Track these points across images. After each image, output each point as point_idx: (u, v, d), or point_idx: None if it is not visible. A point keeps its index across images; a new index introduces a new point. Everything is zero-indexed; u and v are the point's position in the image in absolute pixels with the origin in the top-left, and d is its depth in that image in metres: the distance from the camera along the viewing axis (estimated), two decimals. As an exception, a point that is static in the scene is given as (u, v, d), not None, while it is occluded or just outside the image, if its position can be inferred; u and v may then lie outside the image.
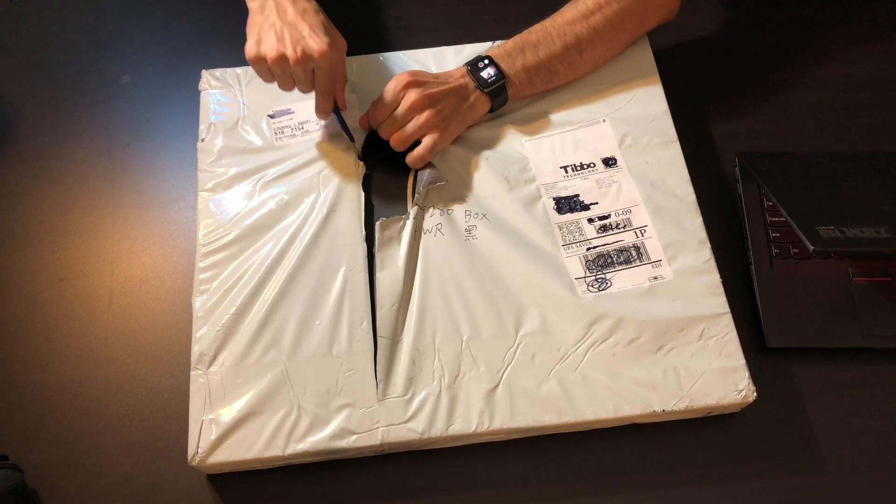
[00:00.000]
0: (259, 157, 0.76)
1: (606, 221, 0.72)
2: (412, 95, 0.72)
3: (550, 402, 0.63)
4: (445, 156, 0.76)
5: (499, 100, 0.76)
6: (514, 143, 0.76)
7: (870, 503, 0.63)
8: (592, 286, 0.68)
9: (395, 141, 0.74)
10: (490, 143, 0.77)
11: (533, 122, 0.77)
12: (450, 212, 0.72)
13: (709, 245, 0.70)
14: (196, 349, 0.66)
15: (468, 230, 0.71)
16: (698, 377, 0.64)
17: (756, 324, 0.69)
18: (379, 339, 0.66)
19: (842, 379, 0.67)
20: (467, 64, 0.76)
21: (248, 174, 0.75)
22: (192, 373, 0.65)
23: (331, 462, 0.64)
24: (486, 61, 0.75)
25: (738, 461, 0.64)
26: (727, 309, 0.67)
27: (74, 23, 0.90)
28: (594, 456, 0.64)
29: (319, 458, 0.63)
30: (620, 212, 0.72)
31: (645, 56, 0.81)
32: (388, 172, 0.77)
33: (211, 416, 0.63)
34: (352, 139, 0.76)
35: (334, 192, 0.73)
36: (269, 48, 0.67)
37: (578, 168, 0.75)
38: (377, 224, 0.71)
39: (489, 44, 0.81)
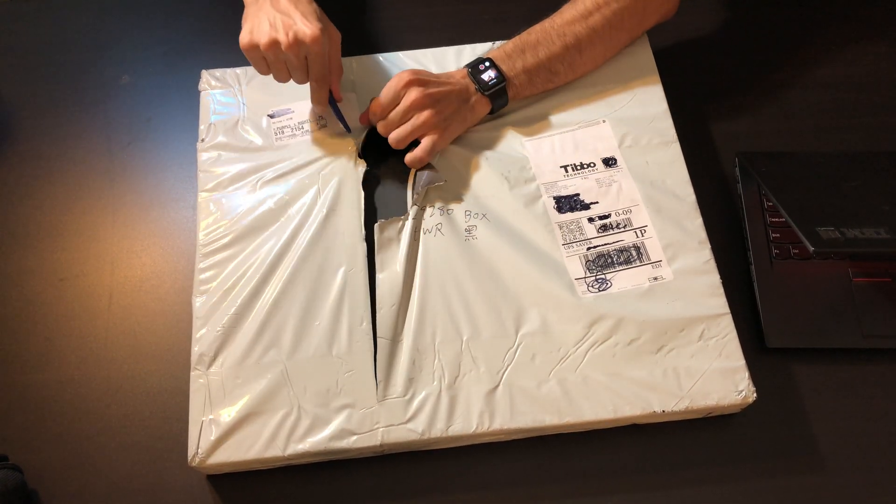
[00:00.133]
0: (259, 157, 0.76)
1: (607, 221, 0.72)
2: (413, 94, 0.72)
3: (550, 402, 0.63)
4: (445, 155, 0.76)
5: (499, 102, 0.76)
6: (514, 143, 0.76)
7: (870, 503, 0.63)
8: (592, 286, 0.68)
9: (394, 138, 0.74)
10: (490, 143, 0.77)
11: (533, 123, 0.77)
12: (450, 212, 0.72)
13: (709, 245, 0.70)
14: (196, 349, 0.66)
15: (468, 230, 0.71)
16: (698, 378, 0.64)
17: (756, 324, 0.69)
18: (379, 339, 0.66)
19: (841, 379, 0.67)
20: (468, 66, 0.76)
21: (248, 174, 0.75)
22: (192, 373, 0.65)
23: (331, 462, 0.64)
24: (487, 63, 0.75)
25: (738, 461, 0.64)
26: (727, 309, 0.67)
27: (74, 23, 0.90)
28: (594, 456, 0.64)
29: (319, 458, 0.63)
30: (620, 211, 0.72)
31: (645, 56, 0.81)
32: (387, 172, 0.77)
33: (211, 417, 0.63)
34: (348, 130, 0.76)
35: (334, 191, 0.73)
36: (262, 34, 0.67)
37: (578, 167, 0.75)
38: (377, 224, 0.71)
39: (489, 44, 0.81)
